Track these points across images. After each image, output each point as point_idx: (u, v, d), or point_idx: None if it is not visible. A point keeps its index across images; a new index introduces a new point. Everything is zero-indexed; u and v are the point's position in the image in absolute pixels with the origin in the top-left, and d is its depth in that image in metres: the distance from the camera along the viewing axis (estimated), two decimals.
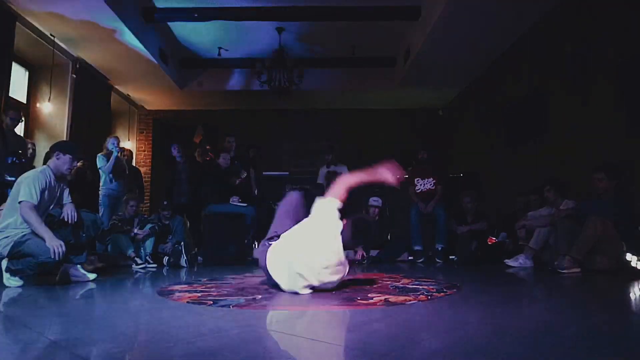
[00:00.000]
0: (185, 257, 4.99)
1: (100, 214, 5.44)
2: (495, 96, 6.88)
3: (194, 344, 1.42)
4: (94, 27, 5.55)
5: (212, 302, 2.21)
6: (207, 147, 7.21)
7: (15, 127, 4.58)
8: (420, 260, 5.32)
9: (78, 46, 6.15)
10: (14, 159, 4.18)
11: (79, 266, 3.33)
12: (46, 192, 3.18)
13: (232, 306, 2.12)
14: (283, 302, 2.30)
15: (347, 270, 2.62)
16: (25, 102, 6.12)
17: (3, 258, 3.08)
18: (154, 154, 9.12)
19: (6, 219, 3.11)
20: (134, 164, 8.40)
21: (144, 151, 9.13)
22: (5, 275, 3.06)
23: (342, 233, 2.49)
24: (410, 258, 5.53)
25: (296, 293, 2.46)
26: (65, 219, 3.28)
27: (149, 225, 5.08)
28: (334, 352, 1.37)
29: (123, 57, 6.49)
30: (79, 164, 5.36)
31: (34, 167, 4.26)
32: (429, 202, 5.58)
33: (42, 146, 5.56)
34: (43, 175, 3.19)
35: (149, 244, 4.99)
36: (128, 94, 8.25)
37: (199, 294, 2.51)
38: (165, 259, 5.04)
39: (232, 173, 5.60)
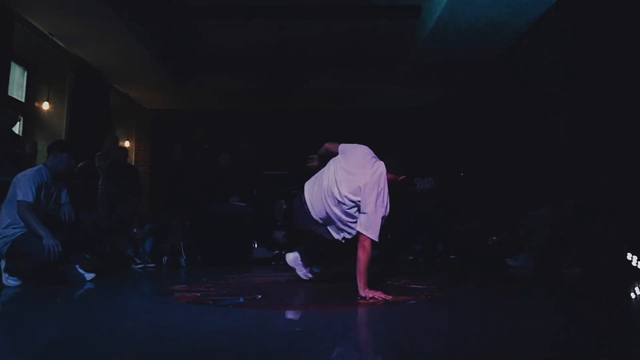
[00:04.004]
0: (184, 257, 4.97)
1: (98, 214, 5.42)
2: (496, 95, 6.88)
3: (194, 343, 1.41)
4: (92, 25, 5.52)
5: (211, 302, 2.20)
6: (205, 146, 7.18)
7: (13, 126, 4.56)
8: (420, 260, 5.32)
9: (77, 45, 6.13)
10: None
11: (77, 266, 3.31)
12: (43, 191, 3.17)
13: (232, 306, 2.11)
14: (283, 302, 2.29)
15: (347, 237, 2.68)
16: (23, 101, 6.10)
17: (2, 257, 3.07)
18: (153, 153, 9.09)
19: (7, 219, 3.09)
20: (134, 163, 8.38)
21: (143, 150, 9.10)
22: (4, 275, 3.04)
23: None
24: (410, 258, 5.52)
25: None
26: (63, 219, 3.26)
27: (148, 225, 5.06)
28: (334, 352, 1.36)
29: (122, 56, 6.47)
30: (80, 164, 5.33)
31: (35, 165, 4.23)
32: (429, 201, 5.58)
33: (40, 145, 5.54)
34: (39, 174, 3.17)
35: (148, 243, 4.97)
36: (127, 93, 8.23)
37: (199, 294, 2.50)
38: (165, 258, 5.02)
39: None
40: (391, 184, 2.55)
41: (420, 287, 2.74)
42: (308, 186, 2.87)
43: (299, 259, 3.09)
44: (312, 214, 2.74)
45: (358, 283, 2.35)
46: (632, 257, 3.51)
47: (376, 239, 2.41)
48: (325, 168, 2.83)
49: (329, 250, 2.92)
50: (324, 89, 8.23)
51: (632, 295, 2.59)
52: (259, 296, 2.40)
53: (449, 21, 5.46)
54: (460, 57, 6.58)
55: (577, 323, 1.73)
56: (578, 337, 1.48)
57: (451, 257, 5.39)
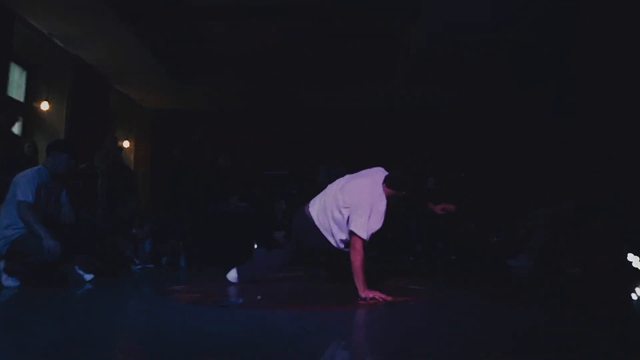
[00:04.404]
0: (184, 258, 4.97)
1: (98, 214, 5.41)
2: (496, 95, 6.88)
3: (193, 344, 1.41)
4: (92, 25, 5.52)
5: (211, 303, 2.20)
6: (205, 146, 7.17)
7: (12, 126, 4.55)
8: (421, 261, 5.31)
9: (76, 45, 6.12)
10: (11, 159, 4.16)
11: (77, 266, 3.31)
12: (42, 191, 3.16)
13: (232, 306, 2.11)
14: (283, 303, 2.29)
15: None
16: (23, 101, 6.09)
17: (1, 258, 3.06)
18: (154, 153, 9.08)
19: (7, 219, 3.08)
20: (134, 163, 8.37)
21: (143, 150, 9.09)
22: (4, 276, 3.04)
23: None
24: (410, 258, 5.52)
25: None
26: (63, 220, 3.26)
27: (148, 225, 5.06)
28: (334, 352, 1.35)
29: (122, 56, 6.46)
30: (82, 166, 5.32)
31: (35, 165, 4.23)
32: (429, 201, 5.57)
33: (40, 145, 5.53)
34: (39, 175, 3.17)
35: (147, 244, 4.97)
36: (127, 93, 8.22)
37: (199, 295, 2.50)
38: (164, 259, 5.02)
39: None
40: (391, 199, 2.56)
41: (421, 288, 2.74)
42: (312, 201, 2.91)
43: (236, 273, 3.03)
44: (315, 219, 2.75)
45: (356, 285, 2.35)
46: (632, 257, 3.51)
47: (365, 238, 2.42)
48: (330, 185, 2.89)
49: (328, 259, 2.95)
50: (323, 88, 8.22)
51: (633, 295, 2.59)
52: (259, 297, 2.39)
53: (449, 21, 5.46)
54: (460, 57, 6.58)
55: (577, 324, 1.73)
56: (578, 338, 1.48)
57: (451, 257, 5.39)
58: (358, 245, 2.41)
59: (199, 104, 8.96)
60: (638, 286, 2.86)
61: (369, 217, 2.43)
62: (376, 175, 2.64)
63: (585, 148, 4.63)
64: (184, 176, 6.14)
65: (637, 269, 3.42)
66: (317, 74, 7.82)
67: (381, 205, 2.49)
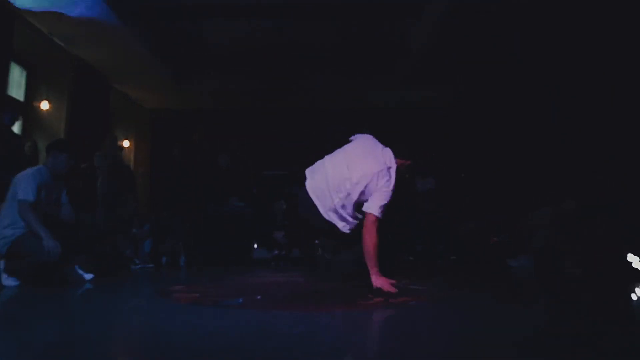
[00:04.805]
0: (184, 258, 4.97)
1: (98, 214, 5.41)
2: (496, 95, 6.88)
3: (193, 344, 1.40)
4: (92, 25, 5.52)
5: (211, 303, 2.20)
6: (205, 146, 7.16)
7: (12, 125, 4.55)
8: (422, 261, 5.31)
9: (76, 45, 6.12)
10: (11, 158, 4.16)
11: (76, 266, 3.31)
12: (43, 190, 3.16)
13: (231, 307, 2.11)
14: (282, 303, 2.29)
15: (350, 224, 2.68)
16: (23, 100, 6.09)
17: (1, 258, 3.06)
18: (153, 153, 9.07)
19: (7, 219, 3.08)
20: (133, 163, 8.38)
21: (143, 150, 9.08)
22: (3, 276, 3.04)
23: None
24: (410, 258, 5.52)
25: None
26: (63, 219, 3.26)
27: (147, 225, 5.06)
28: (334, 352, 1.35)
29: (122, 55, 6.46)
30: (82, 166, 5.32)
31: (35, 165, 4.22)
32: (430, 202, 5.57)
33: (40, 145, 5.52)
34: (39, 174, 3.17)
35: (146, 244, 4.97)
36: (127, 93, 8.22)
37: (198, 295, 2.49)
38: (164, 259, 5.02)
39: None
40: (398, 170, 2.60)
41: (421, 288, 2.74)
42: (309, 172, 2.92)
43: None
44: (313, 197, 2.76)
45: (369, 268, 2.40)
46: (632, 257, 3.51)
47: (380, 215, 2.44)
48: (329, 156, 2.88)
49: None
50: (324, 88, 8.22)
51: (633, 295, 2.59)
52: (259, 297, 2.39)
53: (449, 21, 5.45)
54: (460, 57, 6.58)
55: (577, 324, 1.73)
56: (579, 339, 1.48)
57: (451, 257, 5.39)
58: (370, 226, 2.43)
59: (199, 104, 8.96)
60: (638, 286, 2.86)
61: (384, 202, 2.49)
62: (386, 153, 2.69)
63: (585, 148, 4.63)
64: (184, 176, 6.14)
65: (637, 269, 3.42)
66: (317, 74, 7.82)
67: (393, 184, 2.55)
